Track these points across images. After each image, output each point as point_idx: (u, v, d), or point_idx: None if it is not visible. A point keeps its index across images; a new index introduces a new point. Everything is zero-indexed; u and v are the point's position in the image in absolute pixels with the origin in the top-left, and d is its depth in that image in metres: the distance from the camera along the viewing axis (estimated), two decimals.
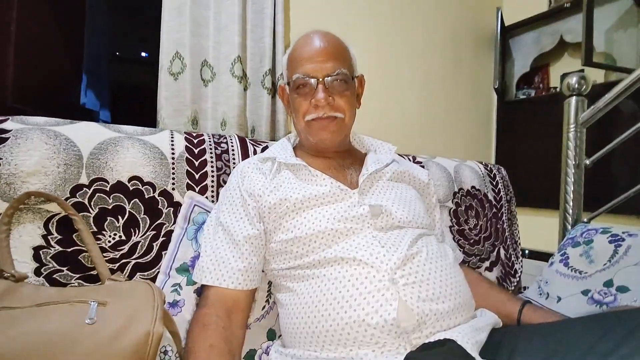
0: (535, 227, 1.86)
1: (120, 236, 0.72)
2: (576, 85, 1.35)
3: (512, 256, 1.30)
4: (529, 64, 2.29)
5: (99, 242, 0.70)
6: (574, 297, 1.04)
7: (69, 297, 0.56)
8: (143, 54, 4.00)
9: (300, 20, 1.72)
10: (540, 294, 1.12)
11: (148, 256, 0.74)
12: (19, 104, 1.56)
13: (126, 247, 0.72)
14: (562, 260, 1.14)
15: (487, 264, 1.22)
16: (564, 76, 2.17)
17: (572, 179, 1.35)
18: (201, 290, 0.71)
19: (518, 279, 1.28)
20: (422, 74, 2.08)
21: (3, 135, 0.67)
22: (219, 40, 1.51)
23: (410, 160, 1.20)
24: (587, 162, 1.34)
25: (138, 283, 0.62)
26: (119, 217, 0.73)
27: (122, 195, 0.73)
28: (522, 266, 1.30)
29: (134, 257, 0.73)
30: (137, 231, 0.74)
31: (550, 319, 0.72)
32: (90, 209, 0.71)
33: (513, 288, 1.25)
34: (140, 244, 0.74)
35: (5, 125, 0.68)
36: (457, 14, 2.21)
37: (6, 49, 1.45)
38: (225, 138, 0.91)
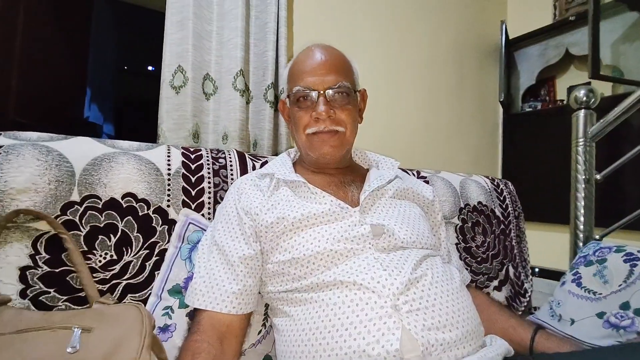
0: (544, 243, 1.81)
1: (111, 255, 0.69)
2: (584, 98, 1.31)
3: (522, 275, 1.25)
4: (534, 77, 2.27)
5: (89, 262, 0.67)
6: (588, 320, 0.99)
7: (52, 323, 0.52)
8: (150, 68, 4.05)
9: (303, 34, 1.72)
10: (553, 316, 1.07)
11: (140, 276, 0.71)
12: (22, 118, 1.56)
13: (117, 267, 0.69)
14: (574, 280, 1.09)
15: (495, 283, 1.17)
16: (570, 89, 2.14)
17: (583, 194, 1.31)
18: (193, 314, 0.68)
19: (528, 298, 1.23)
20: (427, 88, 2.06)
21: None
22: (221, 54, 1.51)
23: (414, 175, 1.17)
24: (598, 176, 1.30)
25: (127, 307, 0.59)
26: (111, 236, 0.70)
27: (114, 213, 0.71)
28: (532, 285, 1.25)
29: (125, 277, 0.70)
30: (129, 250, 0.71)
31: (564, 347, 0.67)
32: (81, 227, 0.68)
33: (523, 308, 1.20)
34: (133, 263, 0.71)
35: None
36: (461, 27, 2.21)
37: (10, 64, 1.46)
38: (224, 153, 0.89)
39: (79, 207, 0.68)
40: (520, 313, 1.18)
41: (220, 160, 0.86)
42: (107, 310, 0.58)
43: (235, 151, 0.91)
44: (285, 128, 1.59)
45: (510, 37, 2.29)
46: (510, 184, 1.35)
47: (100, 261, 0.68)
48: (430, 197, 0.85)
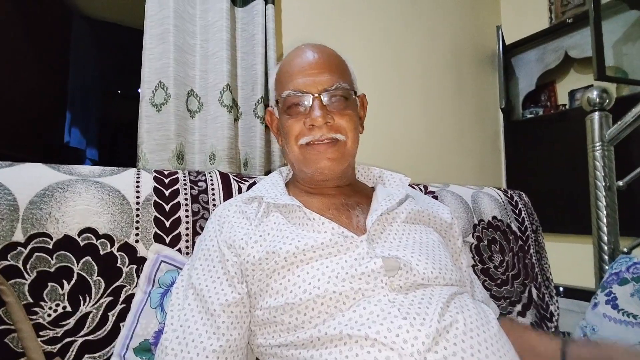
0: (562, 257, 1.68)
1: (64, 307, 0.56)
2: (598, 100, 1.22)
3: (546, 296, 1.12)
4: (534, 82, 2.20)
5: (34, 317, 0.54)
6: None
7: None
8: (139, 90, 3.95)
9: (294, 45, 1.63)
10: None
11: (101, 331, 0.58)
12: None
13: (72, 321, 0.56)
14: (609, 302, 0.96)
15: (519, 307, 1.04)
16: (572, 93, 2.07)
17: (604, 203, 1.20)
18: None
19: (555, 323, 1.10)
20: (425, 98, 1.97)
21: None
22: (206, 68, 1.41)
23: (421, 190, 1.05)
24: (621, 183, 1.19)
25: None
26: (64, 282, 0.57)
27: (69, 254, 0.58)
28: (558, 307, 1.12)
29: (82, 334, 0.57)
30: (87, 299, 0.58)
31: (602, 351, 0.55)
32: (25, 274, 0.55)
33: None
34: (91, 315, 0.58)
35: None
36: (457, 34, 2.14)
37: None
38: (204, 175, 0.77)
39: (23, 250, 0.56)
40: None
41: (200, 183, 0.74)
42: None
43: (217, 172, 0.79)
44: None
45: (507, 43, 2.23)
46: (524, 195, 1.23)
47: (49, 315, 0.55)
48: (449, 220, 0.72)
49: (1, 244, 0.55)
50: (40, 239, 0.57)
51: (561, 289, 1.48)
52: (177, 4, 1.35)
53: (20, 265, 0.55)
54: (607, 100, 1.22)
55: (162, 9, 1.34)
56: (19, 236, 0.56)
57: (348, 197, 0.67)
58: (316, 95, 0.61)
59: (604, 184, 1.20)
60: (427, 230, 0.65)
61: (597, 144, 1.21)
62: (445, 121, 2.03)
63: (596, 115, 1.22)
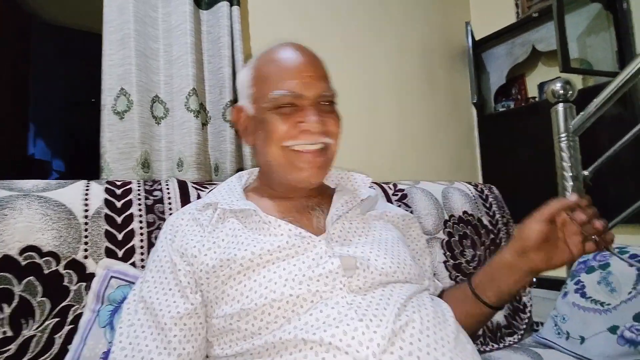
0: None
1: (4, 332, 0.53)
2: (561, 92, 1.24)
3: None
4: (504, 76, 2.23)
5: None
6: (600, 336, 0.87)
7: None
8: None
9: (261, 46, 1.60)
10: (559, 334, 0.95)
11: (46, 355, 0.55)
12: None
13: (13, 347, 0.53)
14: (577, 290, 0.97)
15: None
16: (541, 85, 2.11)
17: (571, 192, 1.22)
18: None
19: (529, 314, 1.10)
20: (397, 97, 1.98)
21: None
22: (170, 73, 1.37)
23: (391, 188, 1.05)
24: (586, 172, 1.21)
25: None
26: (4, 306, 0.54)
27: (9, 275, 0.55)
28: (531, 298, 1.13)
29: (26, 359, 0.53)
30: (30, 322, 0.55)
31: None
32: None
33: (524, 326, 1.08)
34: (36, 339, 0.54)
35: None
36: (427, 31, 2.16)
37: None
38: (160, 184, 0.74)
39: None
40: (522, 332, 1.06)
41: (156, 192, 0.71)
42: None
43: (175, 180, 0.76)
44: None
45: (477, 39, 2.26)
46: (494, 188, 1.24)
47: None
48: (409, 218, 0.72)
49: None
50: None
51: (533, 279, 1.50)
52: (138, 8, 1.31)
53: None
54: (571, 92, 1.24)
55: (121, 14, 1.30)
56: None
57: (309, 199, 0.66)
58: (314, 100, 0.59)
59: (570, 174, 1.22)
60: (387, 226, 0.65)
61: (563, 135, 1.23)
62: (419, 118, 2.04)
63: (560, 106, 1.24)
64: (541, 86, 2.11)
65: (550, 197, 0.54)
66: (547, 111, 1.29)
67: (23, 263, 0.56)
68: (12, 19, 1.79)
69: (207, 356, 0.56)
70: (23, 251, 0.56)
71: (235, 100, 1.45)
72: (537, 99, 2.12)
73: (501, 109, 2.22)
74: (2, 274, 0.54)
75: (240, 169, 1.44)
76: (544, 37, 2.04)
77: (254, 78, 0.64)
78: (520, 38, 2.17)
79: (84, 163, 2.01)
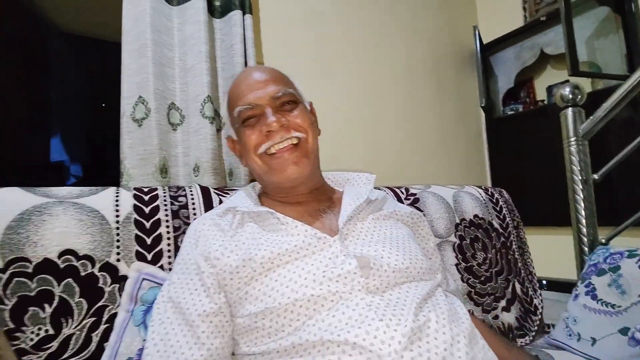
0: (545, 249, 1.72)
1: (46, 330, 0.57)
2: (570, 96, 1.26)
3: (530, 290, 1.15)
4: (512, 80, 2.25)
5: (16, 342, 0.54)
6: (611, 338, 0.89)
7: None
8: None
9: (273, 52, 1.64)
10: (570, 335, 0.97)
11: (85, 352, 0.58)
12: None
13: (55, 344, 0.57)
14: (588, 292, 0.99)
15: (503, 303, 1.06)
16: (550, 89, 2.12)
17: (582, 196, 1.23)
18: None
19: (540, 316, 1.12)
20: (406, 101, 2.00)
21: None
22: (186, 81, 1.41)
23: (402, 192, 1.07)
24: (596, 176, 1.22)
25: None
26: (46, 306, 0.57)
27: (49, 277, 0.58)
28: (542, 301, 1.15)
29: (66, 356, 0.57)
30: (70, 321, 0.58)
31: None
32: (5, 300, 0.55)
33: (536, 328, 1.09)
34: (75, 337, 0.58)
35: None
36: (435, 36, 2.18)
37: None
38: (184, 190, 0.77)
39: (1, 275, 0.56)
40: (533, 334, 1.08)
41: (180, 198, 0.75)
42: None
43: (198, 186, 0.80)
44: None
45: (484, 42, 2.28)
46: (504, 192, 1.26)
47: (32, 340, 0.56)
48: (417, 215, 0.76)
49: None
50: (19, 263, 0.57)
51: (544, 282, 1.51)
52: (154, 18, 1.35)
53: (0, 291, 0.55)
54: (580, 96, 1.26)
55: (138, 24, 1.34)
56: None
57: (320, 202, 0.69)
58: (268, 104, 0.64)
59: (580, 178, 1.23)
60: (397, 224, 0.68)
61: (572, 139, 1.25)
62: (427, 123, 2.06)
63: (569, 111, 1.25)
64: (550, 89, 2.12)
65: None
66: (556, 114, 1.31)
67: (62, 266, 0.60)
68: (32, 30, 1.85)
69: (233, 354, 0.59)
70: (61, 254, 0.60)
71: None
72: (545, 102, 2.13)
73: (510, 113, 2.23)
74: (43, 276, 0.58)
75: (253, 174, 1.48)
76: (552, 40, 2.05)
77: (227, 107, 0.71)
78: (529, 41, 2.18)
79: (101, 168, 2.06)
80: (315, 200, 0.68)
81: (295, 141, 0.64)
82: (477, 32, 2.27)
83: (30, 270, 0.58)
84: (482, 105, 2.23)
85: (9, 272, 0.56)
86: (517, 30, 2.17)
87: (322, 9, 1.80)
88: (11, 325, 0.55)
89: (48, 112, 1.91)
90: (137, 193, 0.72)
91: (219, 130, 1.45)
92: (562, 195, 1.31)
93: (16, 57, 1.69)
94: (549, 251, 1.68)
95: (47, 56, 1.90)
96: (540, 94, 2.21)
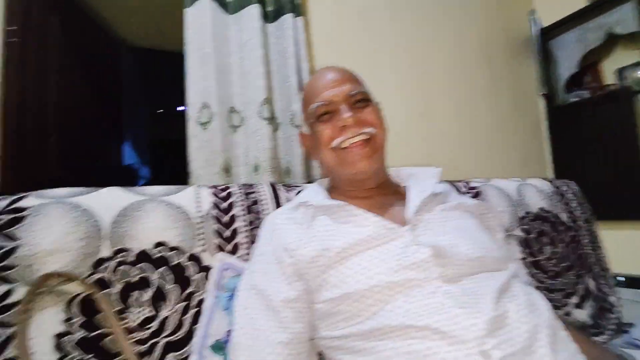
0: (620, 244, 1.59)
1: (150, 311, 0.64)
2: None
3: (604, 286, 1.08)
4: (576, 64, 2.10)
5: (125, 322, 0.62)
6: None
7: None
8: (179, 108, 4.19)
9: (325, 52, 1.68)
10: None
11: (179, 333, 0.65)
12: (63, 173, 1.61)
13: (155, 324, 0.64)
14: None
15: (574, 299, 1.01)
16: (621, 71, 1.95)
17: None
18: None
19: (616, 314, 1.05)
20: (460, 92, 1.95)
21: (20, 214, 0.63)
22: (244, 85, 1.49)
23: (464, 186, 1.06)
24: None
25: None
26: (146, 291, 0.65)
27: (146, 265, 0.66)
28: (619, 298, 1.08)
29: (164, 335, 0.64)
30: (166, 304, 0.66)
31: None
32: (113, 285, 0.64)
33: (613, 326, 1.03)
34: (171, 318, 0.65)
35: (22, 203, 0.65)
36: (486, 25, 2.10)
37: (45, 126, 1.52)
38: (255, 187, 0.83)
39: (109, 263, 0.64)
40: (610, 332, 1.01)
41: (252, 195, 0.81)
42: None
43: (267, 184, 0.85)
44: None
45: (542, 26, 2.15)
46: (573, 184, 1.20)
47: (136, 319, 0.63)
48: (483, 206, 0.75)
49: (93, 259, 0.63)
50: (123, 253, 0.66)
51: (621, 278, 1.41)
52: (215, 27, 1.44)
53: (109, 277, 0.64)
54: None
55: (200, 34, 1.43)
56: (105, 252, 0.65)
57: (386, 195, 0.71)
58: (343, 100, 0.68)
59: None
60: (464, 215, 0.68)
61: None
62: (483, 115, 1.99)
63: None
64: (620, 72, 1.95)
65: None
66: (628, 99, 1.21)
67: (156, 256, 0.67)
68: (104, 46, 2.05)
69: (311, 339, 0.63)
70: (156, 246, 0.68)
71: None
72: (615, 86, 1.97)
73: (573, 100, 2.09)
74: (141, 264, 0.66)
75: (308, 171, 1.53)
76: (621, 19, 1.89)
77: (302, 104, 0.76)
78: (593, 22, 2.03)
79: (165, 170, 2.23)
80: (382, 194, 0.71)
81: (366, 137, 0.67)
82: (534, 16, 2.15)
83: (131, 259, 0.66)
84: (543, 92, 2.11)
85: (115, 260, 0.65)
86: (579, 11, 2.03)
87: (370, 9, 1.81)
88: (120, 307, 0.63)
89: (121, 121, 2.10)
90: (214, 191, 0.79)
91: (275, 130, 1.51)
92: (636, 187, 1.22)
93: (91, 71, 1.88)
94: (627, 247, 1.55)
95: (118, 69, 2.09)
96: (608, 78, 2.05)
